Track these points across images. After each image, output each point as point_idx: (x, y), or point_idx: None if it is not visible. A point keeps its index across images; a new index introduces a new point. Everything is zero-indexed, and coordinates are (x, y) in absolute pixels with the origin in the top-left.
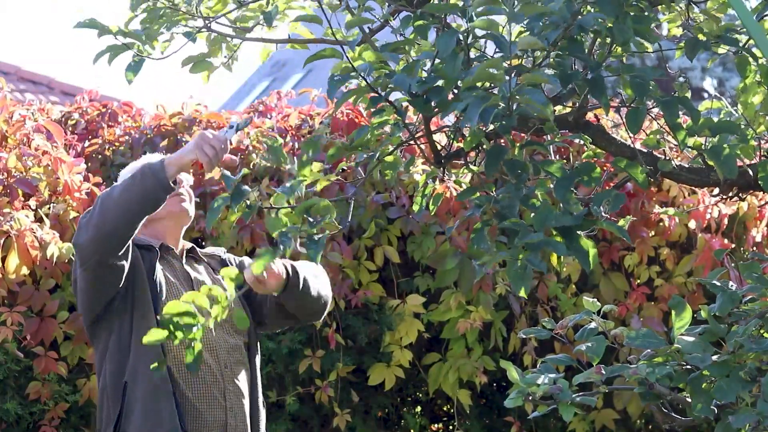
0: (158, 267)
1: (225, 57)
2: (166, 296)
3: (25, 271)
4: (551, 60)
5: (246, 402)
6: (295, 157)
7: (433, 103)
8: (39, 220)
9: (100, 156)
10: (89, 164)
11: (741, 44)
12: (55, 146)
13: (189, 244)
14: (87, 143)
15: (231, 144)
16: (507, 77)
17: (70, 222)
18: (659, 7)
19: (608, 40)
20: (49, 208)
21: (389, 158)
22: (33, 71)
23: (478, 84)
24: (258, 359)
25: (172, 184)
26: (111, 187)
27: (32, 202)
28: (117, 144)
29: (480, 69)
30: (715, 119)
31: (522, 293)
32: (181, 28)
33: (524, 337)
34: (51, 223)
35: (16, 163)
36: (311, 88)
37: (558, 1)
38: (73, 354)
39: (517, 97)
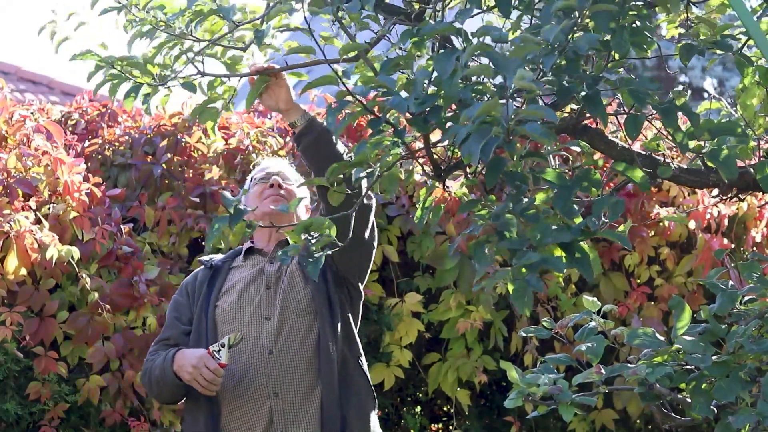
0: (223, 275)
1: (224, 97)
2: (222, 297)
3: (23, 271)
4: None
5: (297, 380)
6: (293, 157)
7: (431, 123)
8: (38, 221)
9: (100, 156)
10: (89, 164)
11: (739, 46)
12: (55, 146)
13: (286, 237)
14: (87, 143)
15: (225, 362)
16: (508, 99)
17: (70, 222)
18: (657, 8)
19: (606, 52)
20: (49, 209)
21: (387, 174)
22: (33, 71)
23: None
24: (332, 332)
25: (174, 376)
26: (151, 364)
27: (32, 203)
28: (117, 144)
29: (481, 110)
30: (715, 120)
31: (525, 312)
32: (177, 77)
33: (525, 336)
34: (50, 223)
35: (16, 164)
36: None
37: (553, 29)
38: (73, 354)
39: (516, 128)
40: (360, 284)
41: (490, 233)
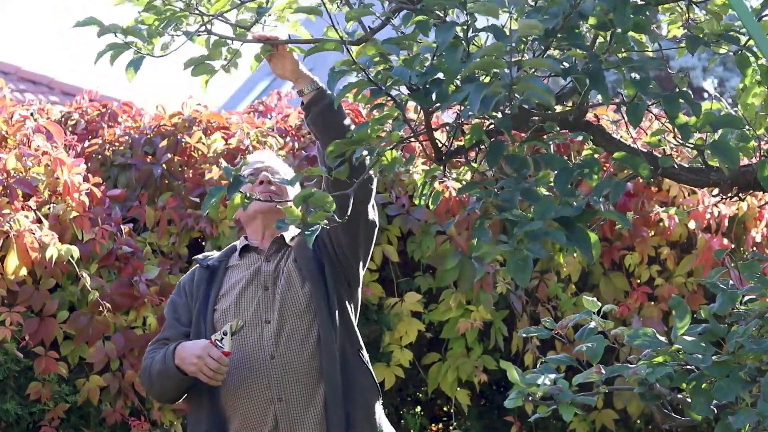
0: (220, 276)
1: (225, 60)
2: (221, 300)
3: (24, 271)
4: (552, 50)
5: (299, 383)
6: (293, 157)
7: (433, 96)
8: (38, 221)
9: (100, 156)
10: (89, 164)
11: (741, 44)
12: (55, 146)
13: (281, 234)
14: (87, 143)
15: (228, 350)
16: (507, 69)
17: (70, 222)
18: (660, 7)
19: (608, 35)
20: (49, 209)
21: (389, 155)
22: (33, 71)
23: (479, 75)
24: (332, 330)
25: (177, 370)
26: (151, 360)
27: (32, 203)
28: (117, 144)
29: (482, 56)
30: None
31: (524, 283)
32: (180, 31)
33: (526, 336)
34: (50, 223)
35: (16, 164)
36: None
37: None
38: (73, 354)
39: (517, 85)
40: (361, 267)
41: (491, 210)
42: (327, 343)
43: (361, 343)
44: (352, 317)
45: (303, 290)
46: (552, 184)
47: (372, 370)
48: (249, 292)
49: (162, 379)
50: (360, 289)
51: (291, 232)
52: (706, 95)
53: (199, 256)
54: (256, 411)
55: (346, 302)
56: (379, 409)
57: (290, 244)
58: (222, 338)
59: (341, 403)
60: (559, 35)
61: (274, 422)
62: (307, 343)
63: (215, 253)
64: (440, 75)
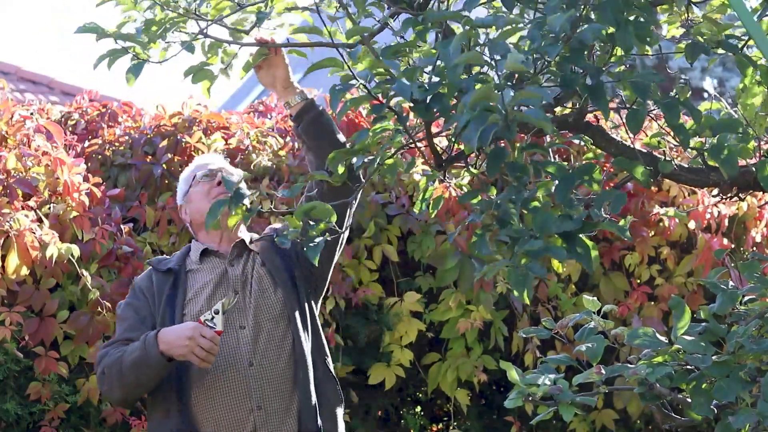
0: (183, 280)
1: (222, 64)
2: (189, 304)
3: (24, 271)
4: (552, 64)
5: (277, 391)
6: (293, 157)
7: (434, 110)
8: (39, 220)
9: (100, 156)
10: (89, 164)
11: (740, 46)
12: (55, 146)
13: (240, 238)
14: (87, 143)
15: (221, 329)
16: (505, 86)
17: (70, 222)
18: (658, 8)
19: (609, 45)
20: (49, 209)
21: (389, 161)
22: (33, 71)
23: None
24: (305, 337)
25: (161, 357)
26: (120, 353)
27: (32, 202)
28: (117, 144)
29: (476, 95)
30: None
31: (525, 299)
32: (178, 36)
33: (526, 336)
34: (50, 223)
35: (16, 164)
36: (311, 88)
37: (558, 19)
38: (73, 354)
39: (514, 110)
40: (330, 272)
41: (491, 222)
42: (301, 351)
43: (327, 351)
44: (320, 325)
45: (276, 295)
46: (552, 191)
47: (336, 377)
48: (218, 295)
49: (138, 369)
50: (322, 297)
51: (248, 235)
52: (705, 95)
53: (153, 259)
54: (234, 419)
55: (315, 308)
56: (340, 416)
57: (252, 248)
58: (213, 317)
59: (314, 412)
60: (560, 56)
61: (253, 431)
62: (282, 350)
63: (167, 257)
64: (441, 89)
